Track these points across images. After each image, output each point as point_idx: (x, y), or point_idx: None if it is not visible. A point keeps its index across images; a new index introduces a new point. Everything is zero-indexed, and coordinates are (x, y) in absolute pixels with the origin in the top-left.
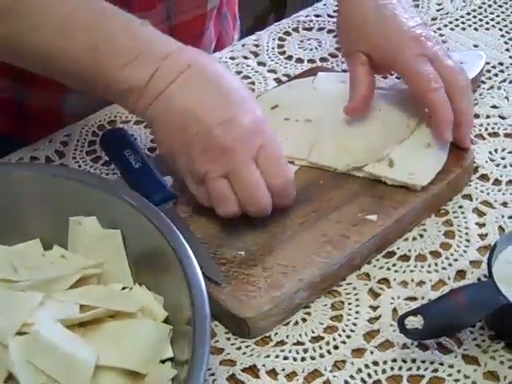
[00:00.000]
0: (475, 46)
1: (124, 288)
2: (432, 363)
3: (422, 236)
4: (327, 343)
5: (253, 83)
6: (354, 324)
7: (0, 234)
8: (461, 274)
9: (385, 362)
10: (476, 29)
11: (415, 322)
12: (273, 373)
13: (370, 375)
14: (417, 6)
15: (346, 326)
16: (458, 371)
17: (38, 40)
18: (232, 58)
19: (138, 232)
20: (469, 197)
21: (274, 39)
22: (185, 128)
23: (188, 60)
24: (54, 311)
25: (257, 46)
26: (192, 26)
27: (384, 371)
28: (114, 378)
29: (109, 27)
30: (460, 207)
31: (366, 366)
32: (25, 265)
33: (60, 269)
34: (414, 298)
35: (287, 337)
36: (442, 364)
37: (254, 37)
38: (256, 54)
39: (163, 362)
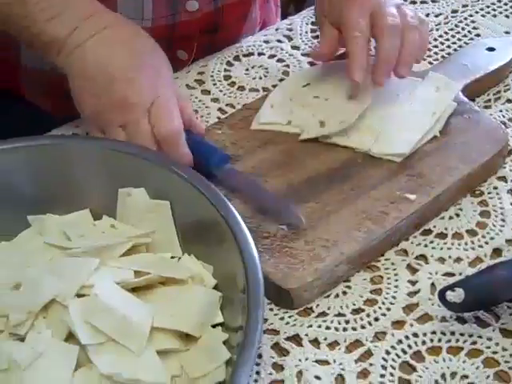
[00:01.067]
0: (506, 32)
1: (172, 257)
2: (471, 336)
3: (458, 215)
4: (368, 315)
5: (287, 66)
6: (394, 297)
7: (50, 204)
8: (497, 251)
9: (424, 334)
10: (507, 16)
11: (453, 297)
12: (315, 342)
13: (410, 346)
14: None
15: (386, 299)
16: (496, 344)
17: None
18: (266, 42)
19: (188, 203)
20: (503, 178)
21: (307, 23)
22: (94, 80)
23: (106, 22)
24: (110, 275)
25: (290, 30)
26: (237, 9)
27: (424, 342)
28: (168, 339)
29: None
30: (495, 188)
31: (406, 338)
32: (77, 233)
33: (111, 238)
34: (451, 274)
35: (328, 308)
36: (480, 337)
37: (287, 21)
38: (290, 38)
39: (213, 327)
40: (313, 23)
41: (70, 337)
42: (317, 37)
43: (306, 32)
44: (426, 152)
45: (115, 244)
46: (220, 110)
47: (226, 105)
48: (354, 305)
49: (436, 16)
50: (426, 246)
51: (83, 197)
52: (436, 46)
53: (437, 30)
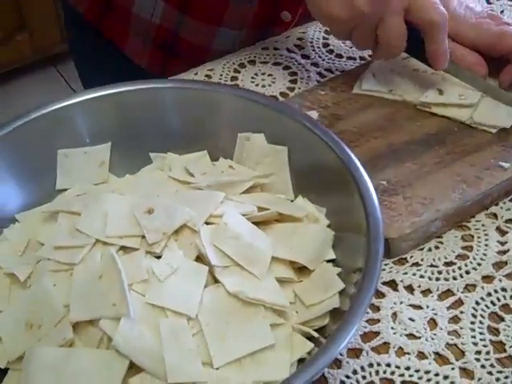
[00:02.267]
0: None
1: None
2: None
3: None
4: (459, 268)
5: None
6: (484, 254)
7: (169, 144)
8: None
9: None
10: None
11: None
12: (409, 288)
13: (498, 299)
14: None
15: (477, 255)
16: None
17: None
18: None
19: (306, 149)
20: None
21: None
22: None
23: None
24: (236, 208)
25: None
26: None
27: None
28: (285, 270)
29: None
30: None
31: (495, 291)
32: (199, 170)
33: (231, 176)
34: None
35: (422, 260)
36: None
37: None
38: None
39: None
40: None
41: (198, 260)
42: None
43: None
44: None
45: (237, 181)
46: (319, 74)
47: (325, 70)
48: (446, 258)
49: None
50: None
51: (202, 139)
52: None
53: None
